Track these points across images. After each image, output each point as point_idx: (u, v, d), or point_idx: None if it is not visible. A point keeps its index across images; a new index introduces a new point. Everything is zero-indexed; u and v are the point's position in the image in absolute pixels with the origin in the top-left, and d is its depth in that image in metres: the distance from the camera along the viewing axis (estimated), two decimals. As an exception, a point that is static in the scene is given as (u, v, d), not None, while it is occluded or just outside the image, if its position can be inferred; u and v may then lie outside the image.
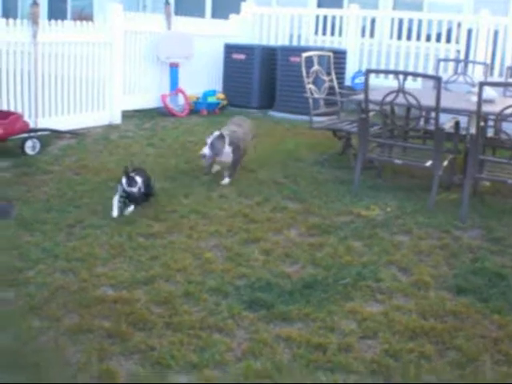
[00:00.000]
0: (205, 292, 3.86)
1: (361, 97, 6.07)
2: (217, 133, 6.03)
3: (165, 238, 4.74)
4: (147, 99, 10.00)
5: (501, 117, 5.23)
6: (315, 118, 7.22)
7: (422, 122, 6.95)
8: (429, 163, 5.74)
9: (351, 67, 11.10)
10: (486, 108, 5.44)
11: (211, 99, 10.32)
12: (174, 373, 3.05)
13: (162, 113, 9.83)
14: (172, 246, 4.56)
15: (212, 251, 4.52)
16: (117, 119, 9.06)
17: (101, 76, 8.79)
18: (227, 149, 6.06)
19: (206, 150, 5.92)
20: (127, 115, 9.34)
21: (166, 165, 6.79)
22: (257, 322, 3.53)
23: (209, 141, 5.96)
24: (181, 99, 10.24)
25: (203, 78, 10.95)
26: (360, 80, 10.17)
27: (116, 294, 3.81)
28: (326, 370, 3.10)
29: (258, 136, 7.09)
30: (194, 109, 10.18)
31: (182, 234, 4.82)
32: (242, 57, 10.87)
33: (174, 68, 10.19)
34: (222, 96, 10.65)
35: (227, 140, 6.04)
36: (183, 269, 4.18)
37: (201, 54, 10.72)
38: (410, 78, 10.22)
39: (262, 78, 10.80)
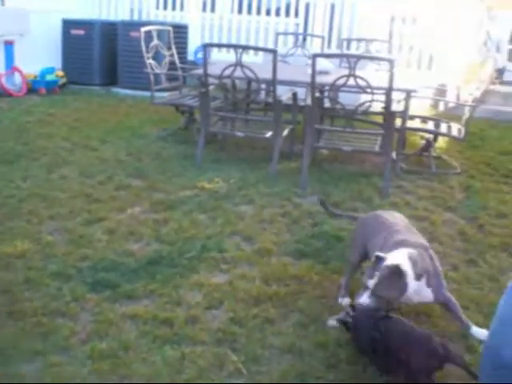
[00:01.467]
0: (46, 277, 3.73)
1: (200, 71, 6.09)
2: (390, 261, 3.10)
3: (2, 224, 4.50)
4: (-20, 79, 9.39)
5: (334, 87, 5.46)
6: (158, 94, 7.16)
7: (262, 95, 7.13)
8: (269, 134, 5.90)
9: (194, 42, 11.08)
10: (320, 79, 5.66)
11: (50, 77, 9.87)
12: (17, 362, 2.94)
13: (-2, 93, 9.30)
14: (10, 233, 4.35)
15: (53, 235, 4.36)
16: None
17: None
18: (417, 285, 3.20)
19: (364, 299, 3.10)
20: (-42, 97, 8.75)
21: (3, 148, 6.43)
22: (101, 303, 3.47)
23: (370, 283, 3.09)
24: (17, 78, 9.72)
25: (41, 55, 10.40)
26: (202, 55, 10.18)
27: (-50, 286, 3.60)
28: (173, 344, 3.13)
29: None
30: (32, 88, 9.68)
31: (20, 219, 4.61)
32: (81, 32, 10.47)
33: (8, 45, 9.62)
34: (61, 73, 10.22)
35: (412, 276, 3.13)
36: (23, 255, 4.01)
37: (37, 31, 10.17)
38: (251, 52, 10.47)
39: (103, 53, 10.49)
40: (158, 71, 7.27)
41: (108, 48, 10.52)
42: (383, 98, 5.59)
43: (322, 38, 9.09)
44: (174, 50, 7.62)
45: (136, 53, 8.62)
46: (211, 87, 6.09)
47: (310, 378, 2.92)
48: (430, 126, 6.63)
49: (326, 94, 6.05)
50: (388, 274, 3.04)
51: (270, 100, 6.35)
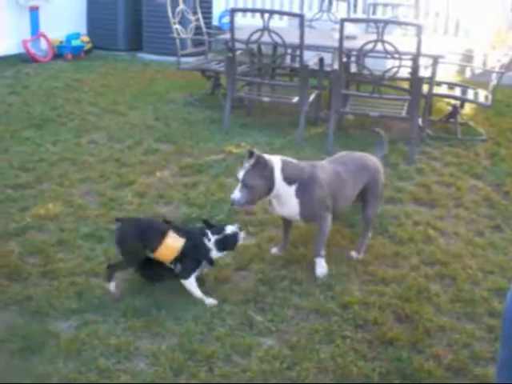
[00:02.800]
0: (79, 238, 3.84)
1: (227, 36, 6.09)
2: (255, 155, 3.33)
3: (34, 187, 4.62)
4: (7, 45, 9.43)
5: (362, 52, 5.44)
6: (184, 59, 7.17)
7: (288, 60, 7.11)
8: (295, 99, 5.91)
9: (218, 7, 11.00)
10: (347, 44, 5.64)
11: (75, 42, 9.91)
12: (53, 320, 3.05)
13: (24, 59, 9.32)
14: (42, 196, 4.47)
15: (84, 198, 4.47)
16: (-26, 67, 8.52)
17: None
18: (286, 190, 3.47)
19: (236, 193, 3.35)
20: (-14, 63, 8.82)
21: (31, 113, 6.53)
22: (134, 264, 3.57)
23: (241, 173, 3.37)
24: (43, 44, 9.77)
25: (66, 20, 10.39)
26: (227, 19, 10.11)
27: (-13, 247, 3.71)
28: (204, 303, 3.21)
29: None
30: (58, 53, 9.73)
31: (51, 182, 4.72)
32: (106, -3, 10.47)
33: (34, 11, 9.64)
34: (86, 39, 10.25)
35: (279, 172, 3.41)
36: (55, 217, 4.12)
37: (62, -4, 10.22)
38: (276, 16, 10.35)
39: (128, 18, 10.43)
40: (184, 36, 7.28)
41: (133, 13, 10.47)
42: (410, 63, 5.57)
43: (348, 2, 8.98)
44: (200, 15, 7.59)
45: (161, 18, 8.64)
46: (237, 52, 6.10)
47: (338, 338, 3.00)
48: (457, 92, 6.59)
49: (353, 59, 6.03)
50: (255, 163, 3.30)
51: (296, 65, 6.36)
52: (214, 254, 3.32)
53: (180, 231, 3.29)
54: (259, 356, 2.84)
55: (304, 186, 3.45)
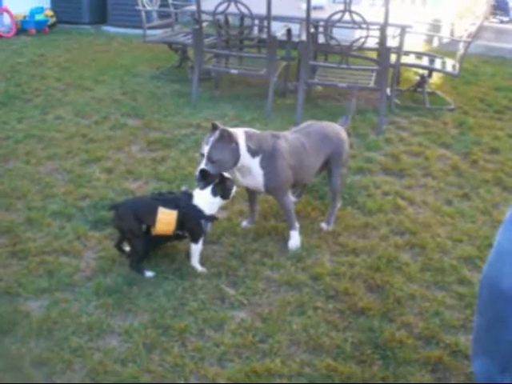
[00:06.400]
0: (48, 217, 3.79)
1: (193, 7, 6.01)
2: (219, 129, 3.28)
3: (0, 166, 4.54)
4: (-33, 20, 9.23)
5: (329, 23, 5.41)
6: (150, 32, 7.06)
7: (256, 32, 7.05)
8: (263, 71, 5.87)
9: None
10: (315, 15, 5.61)
11: (39, 17, 9.73)
12: (23, 300, 3.02)
13: (-14, 35, 9.15)
14: (9, 174, 4.39)
15: (52, 175, 4.41)
16: None
17: None
18: (250, 162, 3.43)
19: (202, 166, 3.28)
20: None
21: (-5, 90, 6.41)
22: (103, 241, 3.55)
23: (206, 146, 3.29)
24: (6, 19, 9.56)
25: (29, -6, 10.22)
26: (193, -10, 9.97)
27: (-47, 229, 3.65)
28: (175, 278, 3.20)
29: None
30: (22, 28, 9.56)
31: (18, 160, 4.64)
32: (68, -32, 10.24)
33: (-6, -15, 9.44)
34: (50, 13, 10.06)
35: (243, 144, 3.36)
36: (23, 196, 4.06)
37: (23, -31, 9.96)
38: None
39: (92, -9, 10.28)
40: (149, 8, 7.16)
41: (97, -15, 10.30)
42: (378, 33, 5.56)
43: (315, -28, 8.89)
44: (165, -14, 7.48)
45: (126, -10, 8.51)
46: (204, 24, 6.02)
47: (310, 309, 3.02)
48: (425, 61, 6.61)
49: (321, 29, 6.00)
50: (219, 137, 3.25)
51: (264, 36, 6.30)
52: (214, 205, 3.33)
53: (170, 203, 3.25)
54: (232, 329, 2.85)
55: (267, 157, 3.43)
